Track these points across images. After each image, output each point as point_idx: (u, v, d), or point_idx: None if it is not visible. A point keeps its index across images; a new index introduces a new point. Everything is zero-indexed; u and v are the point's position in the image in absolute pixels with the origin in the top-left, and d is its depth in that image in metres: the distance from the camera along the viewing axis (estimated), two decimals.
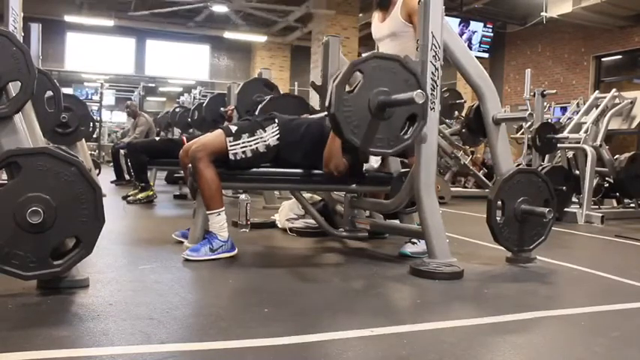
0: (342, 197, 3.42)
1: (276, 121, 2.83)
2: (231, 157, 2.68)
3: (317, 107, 4.07)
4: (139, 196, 5.20)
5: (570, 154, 5.52)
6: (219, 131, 2.76)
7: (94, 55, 14.44)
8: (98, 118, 13.31)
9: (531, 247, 2.78)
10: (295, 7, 12.02)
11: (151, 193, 5.28)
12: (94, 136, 10.89)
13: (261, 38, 14.37)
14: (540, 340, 1.70)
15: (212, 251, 2.62)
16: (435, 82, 2.52)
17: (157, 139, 7.62)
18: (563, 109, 9.30)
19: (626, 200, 5.63)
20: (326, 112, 2.51)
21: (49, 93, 4.00)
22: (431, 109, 2.50)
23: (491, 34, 12.55)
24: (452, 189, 6.87)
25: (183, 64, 15.39)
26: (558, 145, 5.18)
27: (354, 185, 2.96)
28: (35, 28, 4.03)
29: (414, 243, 2.91)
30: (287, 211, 3.68)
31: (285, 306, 1.93)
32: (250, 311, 1.83)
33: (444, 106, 6.85)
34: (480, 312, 1.97)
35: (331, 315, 1.87)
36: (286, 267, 2.65)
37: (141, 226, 4.03)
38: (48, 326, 1.60)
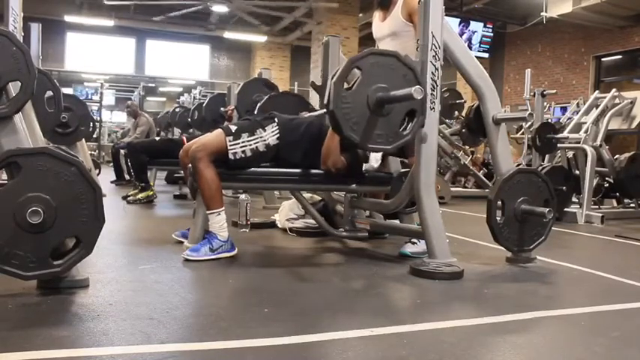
0: (342, 197, 3.42)
1: (276, 120, 2.83)
2: (231, 156, 2.68)
3: (317, 107, 4.07)
4: (139, 196, 5.20)
5: (570, 154, 5.52)
6: (219, 131, 2.76)
7: (94, 55, 14.43)
8: (98, 118, 13.32)
9: (531, 247, 2.78)
10: (296, 3, 12.00)
11: (151, 193, 5.29)
12: (94, 136, 10.89)
13: (261, 38, 14.37)
14: (540, 340, 1.70)
15: (212, 251, 2.62)
16: (435, 82, 2.52)
17: (157, 139, 7.62)
18: (563, 109, 9.30)
19: (626, 200, 5.63)
20: (325, 110, 2.51)
21: (49, 93, 4.01)
22: (431, 109, 2.51)
23: (491, 34, 12.55)
24: (452, 189, 6.87)
25: (183, 64, 15.39)
26: (558, 145, 5.18)
27: (354, 185, 2.97)
28: (35, 28, 4.03)
29: (414, 243, 2.91)
30: (287, 211, 3.68)
31: (285, 306, 1.93)
32: (250, 311, 1.83)
33: (444, 106, 6.85)
34: (480, 312, 1.97)
35: (331, 315, 1.87)
36: (286, 267, 2.65)
37: (141, 226, 4.03)
38: (48, 326, 1.60)
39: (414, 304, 2.16)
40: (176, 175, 6.84)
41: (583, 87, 11.22)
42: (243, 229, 3.27)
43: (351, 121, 2.28)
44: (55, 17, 12.29)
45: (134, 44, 14.90)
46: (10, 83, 1.92)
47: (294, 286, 2.26)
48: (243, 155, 2.70)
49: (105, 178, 6.93)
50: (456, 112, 7.48)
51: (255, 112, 3.99)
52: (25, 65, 1.87)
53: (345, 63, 2.31)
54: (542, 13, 10.19)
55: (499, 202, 2.69)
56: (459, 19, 11.82)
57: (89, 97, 16.24)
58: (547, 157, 5.59)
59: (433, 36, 2.51)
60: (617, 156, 5.35)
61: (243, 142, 2.71)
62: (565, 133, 5.27)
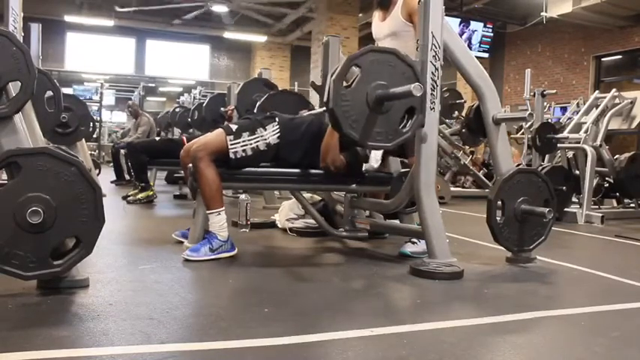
0: (342, 197, 3.42)
1: (277, 119, 2.83)
2: (232, 155, 2.69)
3: (317, 107, 4.07)
4: (139, 196, 5.20)
5: (570, 154, 5.52)
6: (219, 130, 2.77)
7: (94, 55, 14.43)
8: (98, 118, 13.31)
9: (531, 247, 2.78)
10: (296, 6, 12.01)
11: (151, 193, 5.29)
12: (94, 136, 10.89)
13: (261, 38, 14.37)
14: (540, 340, 1.70)
15: (212, 251, 2.62)
16: (435, 82, 2.52)
17: (157, 139, 7.62)
18: (563, 109, 9.30)
19: (626, 200, 5.62)
20: (324, 109, 2.51)
21: (49, 93, 4.01)
22: (431, 109, 2.51)
23: (491, 34, 12.55)
24: (452, 189, 6.87)
25: (183, 64, 15.38)
26: (558, 145, 5.18)
27: (354, 185, 2.97)
28: (35, 28, 4.03)
29: (414, 243, 2.91)
30: (287, 211, 3.68)
31: (285, 306, 1.93)
32: (250, 311, 1.83)
33: (444, 106, 6.85)
34: (480, 312, 1.97)
35: (331, 315, 1.87)
36: (286, 267, 2.65)
37: (141, 226, 4.03)
38: (48, 326, 1.60)
39: (414, 304, 2.16)
40: (176, 175, 6.84)
41: (583, 87, 11.22)
42: (243, 229, 3.27)
43: (350, 118, 2.28)
44: (55, 17, 12.29)
45: (134, 44, 14.90)
46: (10, 83, 1.92)
47: (294, 286, 2.26)
48: (243, 154, 2.71)
49: (105, 178, 6.93)
50: (456, 112, 7.48)
51: (255, 111, 3.99)
52: (25, 65, 1.87)
53: (345, 60, 2.30)
54: (542, 13, 10.19)
55: (499, 202, 2.69)
56: (459, 19, 11.82)
57: (90, 97, 16.24)
58: (547, 157, 5.60)
59: (433, 36, 2.51)
60: (617, 156, 5.35)
61: (243, 141, 2.71)
62: (565, 133, 5.27)
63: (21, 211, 1.76)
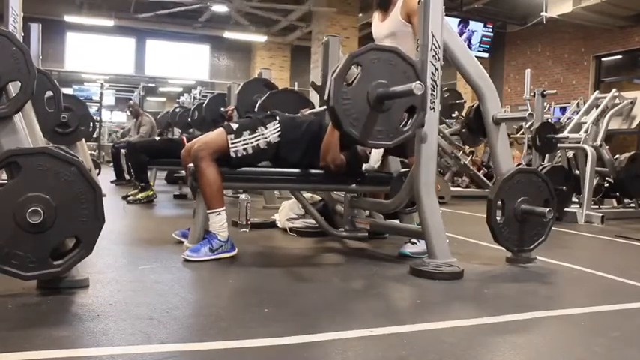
0: (342, 197, 3.42)
1: (278, 118, 2.84)
2: (232, 154, 2.69)
3: (317, 106, 4.08)
4: (139, 196, 5.20)
5: (570, 154, 5.52)
6: (220, 130, 2.77)
7: (94, 55, 14.43)
8: (98, 118, 13.31)
9: (531, 247, 2.78)
10: (296, 5, 12.00)
11: (151, 193, 5.29)
12: (94, 136, 10.89)
13: (261, 38, 14.37)
14: (540, 340, 1.70)
15: (212, 251, 2.62)
16: (435, 82, 2.52)
17: (157, 139, 7.62)
18: (563, 109, 9.29)
19: (626, 200, 5.62)
20: (325, 107, 2.51)
21: (49, 93, 4.01)
22: (431, 109, 2.50)
23: (491, 34, 12.55)
24: (452, 189, 6.87)
25: (183, 64, 15.38)
26: (558, 145, 5.18)
27: (354, 185, 2.96)
28: (35, 28, 4.03)
29: (413, 243, 2.91)
30: (287, 211, 3.68)
31: (285, 306, 1.93)
32: (250, 311, 1.83)
33: (444, 106, 6.85)
34: (480, 312, 1.97)
35: (331, 315, 1.86)
36: (286, 267, 2.65)
37: (141, 226, 4.03)
38: (48, 326, 1.60)
39: (414, 304, 2.16)
40: (176, 175, 6.84)
41: (583, 87, 11.22)
42: (243, 229, 3.27)
43: (351, 117, 2.28)
44: (55, 17, 12.28)
45: (134, 44, 14.89)
46: (10, 83, 1.92)
47: (294, 286, 2.26)
48: (244, 153, 2.71)
49: (105, 178, 6.93)
50: (456, 112, 7.48)
51: (256, 110, 4.00)
52: (25, 65, 1.87)
53: (346, 58, 2.30)
54: (542, 13, 10.19)
55: (499, 202, 2.69)
56: (458, 19, 11.82)
57: (90, 97, 16.24)
58: (547, 157, 5.59)
59: (433, 36, 2.51)
60: (617, 156, 5.35)
61: (244, 140, 2.71)
62: (565, 133, 5.27)
63: (21, 211, 1.76)
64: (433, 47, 2.51)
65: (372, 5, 3.25)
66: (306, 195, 3.59)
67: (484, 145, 8.25)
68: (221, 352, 1.48)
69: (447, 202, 6.16)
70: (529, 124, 6.03)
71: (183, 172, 3.06)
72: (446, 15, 2.59)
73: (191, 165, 2.70)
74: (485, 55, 12.38)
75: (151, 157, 5.29)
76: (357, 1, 11.68)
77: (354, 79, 2.29)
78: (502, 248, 2.77)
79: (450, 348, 1.55)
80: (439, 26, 2.53)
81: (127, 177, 7.29)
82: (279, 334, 1.59)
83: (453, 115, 7.47)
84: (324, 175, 2.84)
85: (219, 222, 2.66)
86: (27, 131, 1.98)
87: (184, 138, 5.50)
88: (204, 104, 6.55)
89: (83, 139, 5.35)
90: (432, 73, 2.51)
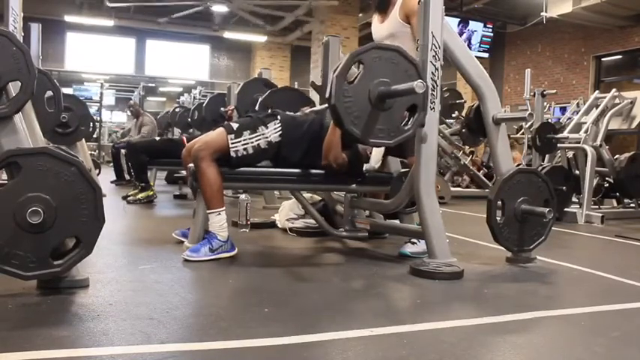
0: (342, 197, 3.42)
1: (279, 117, 2.83)
2: (233, 154, 2.69)
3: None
4: (139, 196, 5.20)
5: (570, 154, 5.52)
6: (220, 129, 2.77)
7: (94, 55, 14.42)
8: (98, 118, 13.31)
9: (531, 247, 2.78)
10: (297, 0, 11.98)
11: (151, 193, 5.29)
12: (94, 136, 10.90)
13: (261, 38, 14.36)
14: (540, 340, 1.70)
15: (212, 251, 2.62)
16: (435, 82, 2.52)
17: (157, 139, 7.62)
18: (563, 109, 9.29)
19: (626, 200, 5.62)
20: (326, 106, 2.51)
21: (49, 93, 4.01)
22: (431, 109, 2.51)
23: (491, 34, 12.54)
24: (452, 189, 6.87)
25: (183, 64, 15.37)
26: (558, 145, 5.18)
27: (354, 185, 2.96)
28: (35, 28, 4.03)
29: (413, 243, 2.91)
30: (287, 211, 3.68)
31: (285, 306, 1.93)
32: (250, 311, 1.83)
33: (444, 106, 6.85)
34: (480, 312, 1.97)
35: (331, 315, 1.86)
36: (286, 267, 2.65)
37: (141, 226, 4.03)
38: (48, 326, 1.60)
39: (414, 304, 2.16)
40: (176, 175, 6.84)
41: (583, 87, 11.21)
42: (243, 229, 3.27)
43: (352, 115, 2.28)
44: (55, 17, 12.27)
45: (134, 44, 14.88)
46: (10, 83, 1.92)
47: (294, 286, 2.26)
48: (244, 153, 2.70)
49: (105, 178, 6.93)
50: (456, 112, 7.48)
51: (257, 108, 3.99)
52: (25, 65, 1.87)
53: (348, 56, 2.30)
54: (542, 13, 10.19)
55: (499, 202, 2.69)
56: (458, 19, 11.81)
57: (90, 97, 16.24)
58: (547, 157, 5.60)
59: (433, 36, 2.51)
60: (617, 156, 5.35)
61: (245, 139, 2.71)
62: (565, 133, 5.27)
63: (21, 211, 1.76)
64: (433, 47, 2.51)
65: (372, 5, 3.25)
66: (306, 195, 3.59)
67: (484, 145, 8.25)
68: (221, 352, 1.48)
69: (447, 202, 6.16)
70: (529, 124, 6.03)
71: (183, 172, 3.06)
72: (446, 15, 2.59)
73: (191, 165, 2.70)
74: (485, 55, 12.37)
75: (151, 157, 5.29)
76: (357, 1, 11.68)
77: (355, 78, 2.29)
78: (502, 248, 2.77)
79: (450, 348, 1.55)
80: (439, 26, 2.53)
81: (127, 177, 7.29)
82: (279, 334, 1.59)
83: (453, 115, 7.47)
84: (324, 175, 2.84)
85: (219, 222, 2.66)
86: (27, 131, 1.98)
87: (184, 138, 5.50)
88: (204, 104, 6.55)
89: (83, 139, 5.35)
90: (432, 73, 2.51)
